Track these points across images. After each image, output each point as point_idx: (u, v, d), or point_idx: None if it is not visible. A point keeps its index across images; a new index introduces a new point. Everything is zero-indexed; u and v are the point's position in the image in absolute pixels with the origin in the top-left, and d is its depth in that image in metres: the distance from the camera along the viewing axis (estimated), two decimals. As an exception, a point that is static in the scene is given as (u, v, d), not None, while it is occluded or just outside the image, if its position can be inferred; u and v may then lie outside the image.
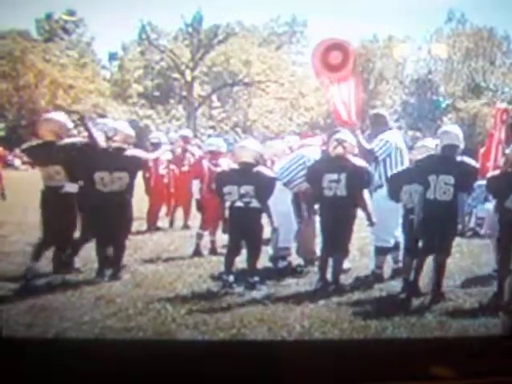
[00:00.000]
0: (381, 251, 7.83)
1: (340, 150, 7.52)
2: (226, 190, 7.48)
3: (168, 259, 8.71)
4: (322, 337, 5.68)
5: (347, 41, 9.15)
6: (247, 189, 7.38)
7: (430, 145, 7.68)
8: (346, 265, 7.93)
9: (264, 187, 7.43)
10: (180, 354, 2.86)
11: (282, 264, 8.19)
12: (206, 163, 9.28)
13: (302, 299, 6.86)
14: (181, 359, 2.78)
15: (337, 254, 7.50)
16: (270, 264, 8.29)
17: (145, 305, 6.53)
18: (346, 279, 7.61)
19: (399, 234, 7.72)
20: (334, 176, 7.42)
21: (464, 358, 2.75)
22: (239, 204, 7.43)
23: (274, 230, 7.77)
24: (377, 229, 7.77)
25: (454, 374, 2.69)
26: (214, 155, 9.35)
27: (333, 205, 7.47)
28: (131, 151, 7.76)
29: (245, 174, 7.49)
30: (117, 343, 4.17)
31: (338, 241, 7.50)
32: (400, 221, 7.60)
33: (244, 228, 7.54)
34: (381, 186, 7.88)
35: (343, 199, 7.42)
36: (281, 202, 7.82)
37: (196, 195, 9.18)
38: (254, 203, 7.40)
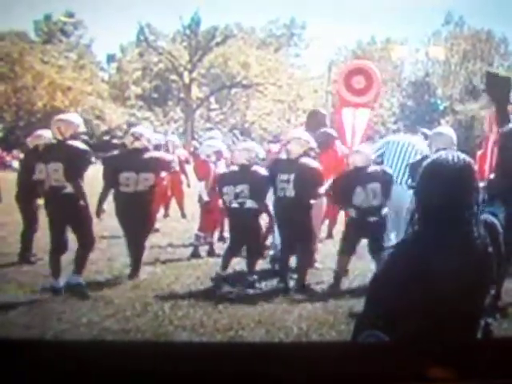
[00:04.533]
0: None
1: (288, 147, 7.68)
2: (224, 190, 7.61)
3: (166, 261, 8.71)
4: (319, 339, 5.69)
5: (373, 68, 9.13)
6: (242, 188, 7.47)
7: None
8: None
9: (258, 186, 7.52)
10: (177, 356, 2.85)
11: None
12: (211, 164, 9.26)
13: (300, 301, 6.88)
14: (178, 361, 2.77)
15: (298, 254, 7.59)
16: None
17: (143, 306, 6.52)
18: (343, 282, 7.61)
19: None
20: (285, 176, 7.48)
21: (463, 360, 2.75)
22: (235, 205, 7.52)
23: (271, 229, 7.82)
24: None
25: (454, 375, 2.68)
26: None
27: (284, 205, 7.54)
28: (155, 153, 7.96)
29: (240, 173, 7.59)
30: (114, 345, 4.16)
31: (294, 241, 7.59)
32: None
33: (241, 228, 7.62)
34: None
35: (292, 200, 7.46)
36: None
37: (205, 197, 9.05)
38: (249, 204, 7.48)
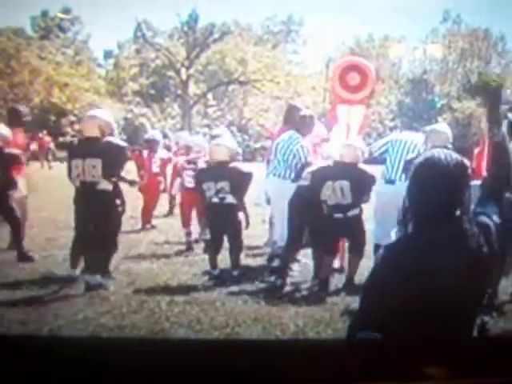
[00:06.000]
0: (378, 250, 7.71)
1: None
2: (204, 186, 7.74)
3: (162, 257, 8.70)
4: (315, 336, 5.69)
5: (367, 64, 9.10)
6: (222, 184, 7.60)
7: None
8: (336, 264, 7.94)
9: (239, 182, 7.63)
10: (174, 353, 2.85)
11: (277, 263, 8.17)
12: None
13: (297, 299, 6.88)
14: (174, 358, 2.77)
15: (316, 250, 7.60)
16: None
17: (139, 303, 6.52)
18: (339, 280, 7.60)
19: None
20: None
21: (460, 358, 2.75)
22: (215, 200, 7.65)
23: (247, 227, 7.87)
24: (376, 226, 7.75)
25: (451, 373, 2.69)
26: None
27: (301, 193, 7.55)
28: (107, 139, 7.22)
29: (221, 170, 7.69)
30: (110, 341, 4.17)
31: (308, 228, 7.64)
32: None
33: (221, 223, 7.77)
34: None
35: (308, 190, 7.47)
36: (280, 200, 7.85)
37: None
38: (229, 199, 7.62)
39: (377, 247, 7.52)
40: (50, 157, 27.28)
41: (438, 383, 2.71)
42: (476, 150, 8.97)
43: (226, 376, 2.68)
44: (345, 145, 7.66)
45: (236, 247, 7.76)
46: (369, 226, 7.75)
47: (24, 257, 8.11)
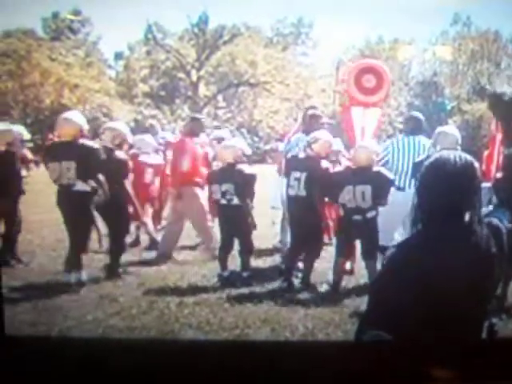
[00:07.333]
0: (383, 251, 7.69)
1: (308, 150, 7.65)
2: (212, 188, 7.86)
3: (172, 259, 8.70)
4: (325, 338, 5.68)
5: (383, 67, 9.10)
6: (227, 187, 7.64)
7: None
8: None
9: (243, 185, 7.65)
10: (183, 354, 2.86)
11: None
12: None
13: (306, 300, 6.87)
14: (184, 359, 2.78)
15: (306, 253, 7.63)
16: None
17: (148, 304, 6.54)
18: (349, 281, 7.59)
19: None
20: (297, 174, 7.52)
21: (468, 360, 2.75)
22: (223, 202, 7.70)
23: (253, 228, 7.88)
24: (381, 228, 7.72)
25: (458, 376, 2.68)
26: None
27: (296, 203, 7.59)
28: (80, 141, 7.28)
29: (226, 172, 7.76)
30: (120, 342, 4.17)
31: (305, 240, 7.63)
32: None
33: (230, 225, 7.80)
34: None
35: (303, 199, 7.47)
36: None
37: None
38: (236, 201, 7.66)
39: (383, 248, 7.53)
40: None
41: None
42: (486, 153, 8.95)
43: (235, 377, 2.69)
44: (358, 147, 7.59)
45: (246, 249, 7.75)
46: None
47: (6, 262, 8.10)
